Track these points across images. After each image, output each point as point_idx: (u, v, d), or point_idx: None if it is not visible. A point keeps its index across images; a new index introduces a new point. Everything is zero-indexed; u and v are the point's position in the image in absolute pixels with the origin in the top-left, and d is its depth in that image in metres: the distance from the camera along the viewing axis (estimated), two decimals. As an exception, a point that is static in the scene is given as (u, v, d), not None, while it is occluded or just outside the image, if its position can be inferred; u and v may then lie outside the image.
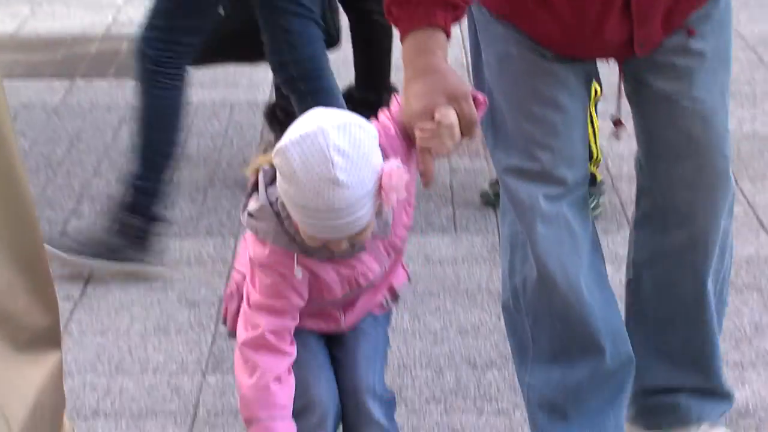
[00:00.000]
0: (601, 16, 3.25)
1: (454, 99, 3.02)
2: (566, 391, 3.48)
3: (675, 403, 3.61)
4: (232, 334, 3.33)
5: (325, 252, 3.16)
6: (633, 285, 3.65)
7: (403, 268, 3.46)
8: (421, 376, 4.09)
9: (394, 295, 3.44)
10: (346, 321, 3.37)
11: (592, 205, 5.06)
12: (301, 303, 3.20)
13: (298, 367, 3.30)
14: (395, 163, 3.05)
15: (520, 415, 3.85)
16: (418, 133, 3.04)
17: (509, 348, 4.21)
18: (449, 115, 3.00)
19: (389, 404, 3.39)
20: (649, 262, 3.60)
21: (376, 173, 3.00)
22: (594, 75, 3.52)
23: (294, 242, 3.11)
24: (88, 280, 4.81)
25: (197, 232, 5.27)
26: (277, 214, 3.08)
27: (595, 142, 5.18)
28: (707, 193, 3.46)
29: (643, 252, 3.62)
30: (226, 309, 3.42)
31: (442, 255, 5.00)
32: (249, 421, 3.21)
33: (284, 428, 3.18)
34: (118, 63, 7.44)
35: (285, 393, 3.20)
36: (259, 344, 3.19)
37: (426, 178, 3.10)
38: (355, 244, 3.15)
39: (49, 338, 2.98)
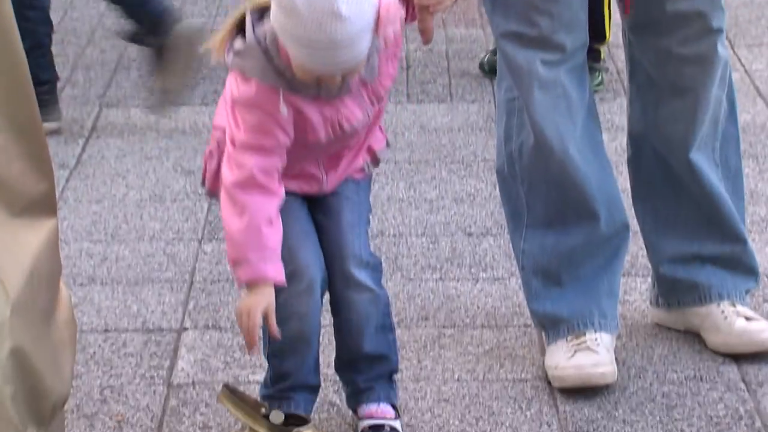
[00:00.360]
0: None
1: None
2: (560, 257, 3.50)
3: (694, 279, 3.61)
4: (212, 193, 3.33)
5: (312, 89, 3.16)
6: (634, 159, 3.65)
7: (382, 132, 3.45)
8: (417, 244, 4.10)
9: (375, 159, 3.42)
10: (328, 182, 3.36)
11: (596, 81, 5.07)
12: (287, 141, 3.20)
13: (283, 235, 3.29)
14: (394, 12, 3.10)
15: (515, 283, 3.85)
16: None
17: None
18: None
19: (375, 268, 3.39)
20: (645, 136, 3.61)
21: (374, 7, 3.04)
22: None
23: (281, 78, 3.12)
24: (83, 147, 4.81)
25: (192, 101, 5.25)
26: (265, 52, 3.09)
27: (609, 25, 5.16)
28: (696, 66, 3.47)
29: (638, 125, 3.62)
30: (205, 169, 3.37)
31: (438, 124, 4.99)
32: (237, 263, 3.18)
33: (274, 270, 3.16)
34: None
35: (275, 235, 3.19)
36: (248, 183, 3.17)
37: (425, 35, 3.14)
38: (345, 82, 3.15)
39: (44, 204, 2.97)
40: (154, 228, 4.31)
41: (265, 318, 3.09)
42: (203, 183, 3.41)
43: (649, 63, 3.52)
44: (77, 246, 4.13)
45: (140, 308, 3.83)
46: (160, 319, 3.78)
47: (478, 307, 3.81)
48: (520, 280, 3.78)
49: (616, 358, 3.44)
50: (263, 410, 2.87)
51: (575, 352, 3.39)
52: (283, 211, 3.28)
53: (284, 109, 3.16)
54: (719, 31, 3.44)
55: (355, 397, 3.36)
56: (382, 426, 3.30)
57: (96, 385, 3.45)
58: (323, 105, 3.20)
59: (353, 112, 3.23)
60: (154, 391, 3.43)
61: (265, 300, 3.11)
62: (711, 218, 3.58)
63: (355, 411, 3.38)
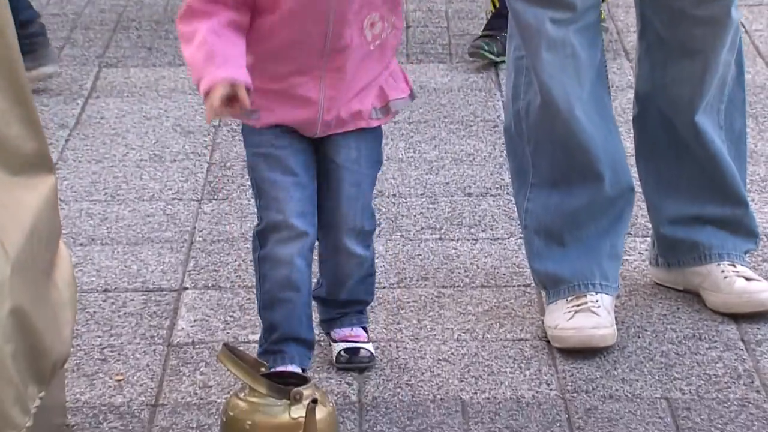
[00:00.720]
0: None
1: None
2: (564, 217, 3.51)
3: (694, 239, 3.62)
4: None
5: None
6: (639, 119, 3.65)
7: (405, 79, 3.41)
8: (417, 204, 4.11)
9: (386, 107, 3.37)
10: (326, 109, 3.31)
11: None
12: None
13: (275, 184, 3.32)
14: None
15: (515, 243, 3.87)
16: None
17: (505, 176, 4.24)
18: None
19: (368, 235, 3.43)
20: (651, 95, 3.60)
21: None
22: None
23: None
24: (83, 107, 4.80)
25: None
26: None
27: None
28: (708, 27, 3.47)
29: (645, 85, 3.62)
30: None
31: (438, 84, 4.99)
32: (198, 82, 3.16)
33: (226, 72, 3.12)
34: None
35: (222, 44, 3.18)
36: (188, 14, 3.21)
37: None
38: None
39: (41, 164, 2.98)
40: (153, 188, 4.31)
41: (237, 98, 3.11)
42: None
43: (661, 23, 3.51)
44: (77, 206, 4.14)
45: (140, 268, 3.84)
46: (159, 279, 3.78)
47: (478, 267, 3.81)
48: (519, 240, 3.80)
49: (615, 318, 3.45)
50: (263, 369, 2.87)
51: (575, 313, 3.40)
52: (281, 159, 3.31)
53: None
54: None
55: (329, 323, 3.46)
56: (357, 350, 3.39)
57: (96, 345, 3.46)
58: None
59: None
60: (154, 351, 3.44)
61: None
62: (713, 180, 3.58)
63: (328, 334, 3.47)
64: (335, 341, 3.42)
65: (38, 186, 2.91)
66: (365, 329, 3.46)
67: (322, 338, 3.47)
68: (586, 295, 3.44)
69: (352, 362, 3.40)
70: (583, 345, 3.37)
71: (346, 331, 3.44)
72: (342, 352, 3.39)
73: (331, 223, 3.38)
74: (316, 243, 3.39)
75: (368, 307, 3.50)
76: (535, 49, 3.43)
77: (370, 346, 3.43)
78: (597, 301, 3.43)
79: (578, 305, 3.42)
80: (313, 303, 3.45)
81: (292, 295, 3.32)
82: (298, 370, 3.19)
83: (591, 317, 3.39)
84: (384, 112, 3.36)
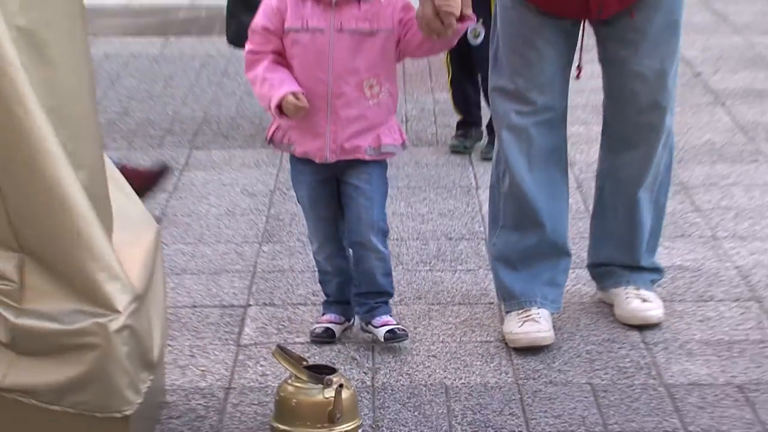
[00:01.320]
0: None
1: None
2: (518, 251, 3.48)
3: (613, 271, 3.59)
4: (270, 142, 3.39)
5: None
6: (598, 191, 3.61)
7: (399, 131, 3.37)
8: (413, 245, 4.09)
9: (380, 149, 3.31)
10: (331, 139, 3.26)
11: None
12: (278, 30, 3.23)
13: (311, 218, 3.42)
14: None
15: (482, 273, 3.85)
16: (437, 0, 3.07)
17: (475, 226, 4.23)
18: None
19: (384, 233, 3.41)
20: (607, 175, 3.56)
21: None
22: (573, 34, 3.41)
23: None
24: (179, 178, 4.80)
25: (255, 144, 5.24)
26: None
27: None
28: (645, 131, 3.42)
29: (603, 167, 3.58)
30: (269, 128, 3.40)
31: (428, 160, 4.96)
32: (266, 106, 3.24)
33: (283, 90, 3.18)
34: (199, 25, 7.40)
35: (274, 75, 3.22)
36: (248, 65, 3.28)
37: (448, 21, 3.11)
38: None
39: (148, 221, 2.99)
40: (227, 234, 4.29)
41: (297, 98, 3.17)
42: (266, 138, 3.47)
43: (617, 123, 3.48)
44: (174, 247, 4.13)
45: (218, 291, 3.82)
46: (231, 298, 3.77)
47: (456, 290, 3.79)
48: (486, 272, 3.79)
49: (553, 325, 3.43)
50: (304, 363, 2.87)
51: (524, 321, 3.38)
52: (311, 198, 3.39)
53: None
54: (666, 107, 3.40)
55: (370, 313, 3.42)
56: (395, 329, 3.39)
57: (186, 345, 3.45)
58: (323, 7, 3.21)
59: (346, 17, 3.21)
60: (228, 350, 3.43)
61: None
62: (634, 241, 3.55)
63: (369, 323, 3.43)
64: (377, 327, 3.40)
65: (146, 236, 2.91)
66: (391, 317, 3.46)
67: (344, 339, 3.46)
68: (530, 309, 3.41)
69: (397, 338, 3.39)
70: (530, 344, 3.35)
71: (384, 319, 3.42)
72: (387, 333, 3.37)
73: (355, 225, 3.37)
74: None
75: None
76: (500, 131, 3.43)
77: (401, 326, 3.42)
78: (539, 313, 3.40)
79: (526, 316, 3.40)
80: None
81: (338, 278, 3.45)
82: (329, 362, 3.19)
83: (534, 324, 3.37)
84: (377, 152, 3.30)
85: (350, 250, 3.44)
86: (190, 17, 7.50)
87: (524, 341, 3.36)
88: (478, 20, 4.79)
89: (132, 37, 7.22)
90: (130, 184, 3.10)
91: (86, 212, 2.61)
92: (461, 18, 3.11)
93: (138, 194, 3.16)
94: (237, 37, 5.01)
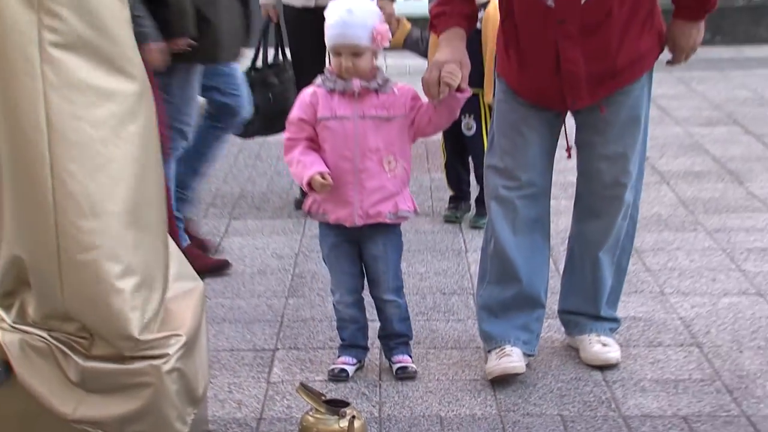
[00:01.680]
0: (546, 81, 3.23)
1: (456, 61, 3.13)
2: (498, 301, 3.45)
3: (578, 320, 3.56)
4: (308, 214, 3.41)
5: (340, 83, 3.22)
6: (569, 252, 3.59)
7: (413, 202, 3.38)
8: (412, 299, 4.03)
9: (397, 214, 3.33)
10: (359, 207, 3.28)
11: None
12: (312, 119, 3.25)
13: (335, 273, 3.41)
14: (386, 27, 3.23)
15: (471, 323, 3.81)
16: (443, 71, 3.12)
17: (465, 283, 4.21)
18: (453, 66, 3.13)
19: (399, 289, 3.43)
20: (576, 239, 3.54)
21: (374, 18, 3.21)
22: (556, 123, 3.39)
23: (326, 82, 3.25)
24: (220, 242, 4.79)
25: (282, 215, 5.22)
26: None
27: None
28: (608, 203, 3.41)
29: (573, 232, 3.56)
30: (305, 203, 3.41)
31: (425, 228, 4.95)
32: (300, 183, 3.28)
33: (313, 170, 3.20)
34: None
35: (306, 158, 3.23)
36: (286, 149, 3.29)
37: (444, 90, 3.15)
38: (353, 67, 3.19)
39: (195, 278, 2.97)
40: (259, 289, 4.26)
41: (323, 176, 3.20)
42: (301, 207, 3.60)
43: (585, 196, 3.47)
44: (215, 300, 4.10)
45: (251, 337, 3.79)
46: (263, 343, 3.73)
47: (449, 337, 3.75)
48: (473, 321, 3.75)
49: (530, 365, 3.41)
50: (323, 398, 2.84)
51: (499, 357, 3.35)
52: (336, 256, 3.38)
53: (311, 94, 3.27)
54: (626, 185, 3.38)
55: (390, 352, 3.43)
56: (406, 367, 3.40)
57: (225, 383, 3.42)
58: (348, 98, 3.23)
59: (367, 106, 3.23)
60: (260, 386, 3.39)
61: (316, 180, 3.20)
62: (597, 295, 3.52)
63: (390, 359, 3.44)
64: (394, 363, 3.41)
65: (194, 291, 2.89)
66: (410, 357, 3.44)
67: (356, 378, 3.42)
68: (505, 347, 3.38)
69: (405, 375, 3.39)
70: (503, 373, 3.32)
71: (399, 357, 3.42)
72: (398, 370, 3.38)
73: (374, 284, 3.40)
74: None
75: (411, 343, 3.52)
76: (489, 202, 3.43)
77: (413, 365, 3.43)
78: (512, 350, 3.37)
79: (501, 353, 3.37)
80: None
81: (353, 325, 3.44)
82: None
83: (507, 357, 3.34)
84: (395, 217, 3.32)
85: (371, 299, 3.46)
86: None
87: (497, 371, 3.32)
88: (470, 116, 4.87)
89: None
90: (191, 263, 3.07)
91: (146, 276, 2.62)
92: (459, 89, 3.17)
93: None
94: (245, 133, 5.02)
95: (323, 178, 3.18)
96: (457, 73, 3.12)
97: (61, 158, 2.48)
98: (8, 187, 2.59)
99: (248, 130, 5.01)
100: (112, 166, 2.54)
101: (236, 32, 4.31)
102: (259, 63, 5.22)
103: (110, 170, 2.53)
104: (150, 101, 2.69)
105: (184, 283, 2.95)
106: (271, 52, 5.26)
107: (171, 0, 3.95)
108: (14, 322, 2.67)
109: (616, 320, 3.61)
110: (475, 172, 5.01)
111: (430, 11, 3.32)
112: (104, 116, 2.53)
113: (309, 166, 3.20)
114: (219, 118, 4.59)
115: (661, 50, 3.33)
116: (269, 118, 5.00)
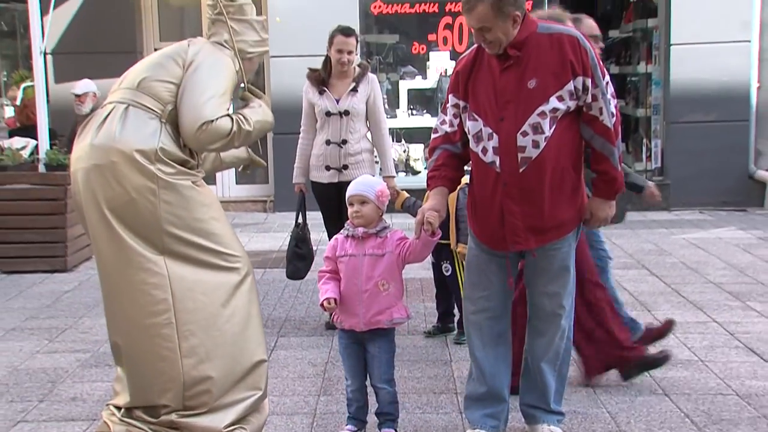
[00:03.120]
0: (495, 229, 3.22)
1: (436, 209, 3.17)
2: (474, 394, 3.44)
3: (533, 413, 3.50)
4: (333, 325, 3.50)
5: (351, 230, 3.28)
6: (524, 361, 3.50)
7: (406, 311, 3.38)
8: (411, 397, 4.00)
9: (392, 321, 3.31)
10: (363, 317, 3.29)
11: None
12: (334, 260, 3.29)
13: (345, 367, 3.38)
14: (386, 190, 3.32)
15: (455, 415, 3.76)
16: (426, 215, 3.14)
17: (451, 384, 4.13)
18: (433, 212, 3.16)
19: (391, 381, 3.39)
20: (528, 351, 3.46)
21: (376, 188, 3.31)
22: (513, 264, 3.28)
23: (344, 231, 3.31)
24: (270, 355, 4.74)
25: (316, 333, 5.15)
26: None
27: None
28: (549, 327, 3.35)
29: (526, 345, 3.47)
30: (332, 318, 3.44)
31: (420, 344, 4.89)
32: (321, 301, 3.29)
33: (327, 294, 3.24)
34: (283, 262, 7.46)
35: (326, 285, 3.29)
36: (319, 278, 3.35)
37: (431, 231, 3.17)
38: (362, 218, 3.25)
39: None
40: (299, 389, 4.21)
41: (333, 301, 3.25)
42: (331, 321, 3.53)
43: (533, 320, 3.42)
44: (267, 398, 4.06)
45: (293, 425, 3.73)
46: (301, 430, 3.68)
47: (439, 425, 3.68)
48: (458, 414, 3.71)
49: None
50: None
51: None
52: (347, 353, 3.36)
53: (334, 240, 3.34)
54: (561, 314, 3.31)
55: (381, 426, 3.43)
56: None
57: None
58: (356, 241, 3.29)
59: (368, 246, 3.28)
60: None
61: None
62: (545, 393, 3.47)
63: (380, 430, 3.43)
64: None
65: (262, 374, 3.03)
66: (395, 430, 3.43)
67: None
68: (476, 428, 3.38)
69: None
70: None
71: (386, 430, 3.41)
72: None
73: (372, 376, 3.39)
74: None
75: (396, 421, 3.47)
76: (467, 322, 3.42)
77: None
78: (481, 430, 3.37)
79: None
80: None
81: (356, 403, 3.43)
82: None
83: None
84: (391, 323, 3.34)
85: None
86: (279, 257, 7.45)
87: None
88: (446, 261, 4.90)
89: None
90: None
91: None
92: (433, 234, 3.20)
93: None
94: (292, 274, 5.11)
95: (329, 302, 3.30)
96: (436, 217, 3.17)
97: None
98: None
99: (292, 273, 5.15)
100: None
101: None
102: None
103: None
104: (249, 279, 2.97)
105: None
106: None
107: None
108: (122, 417, 2.72)
109: (561, 413, 3.57)
110: (456, 302, 5.03)
111: (427, 174, 3.39)
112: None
113: (323, 293, 3.35)
114: None
115: (581, 220, 3.29)
116: (308, 262, 5.10)
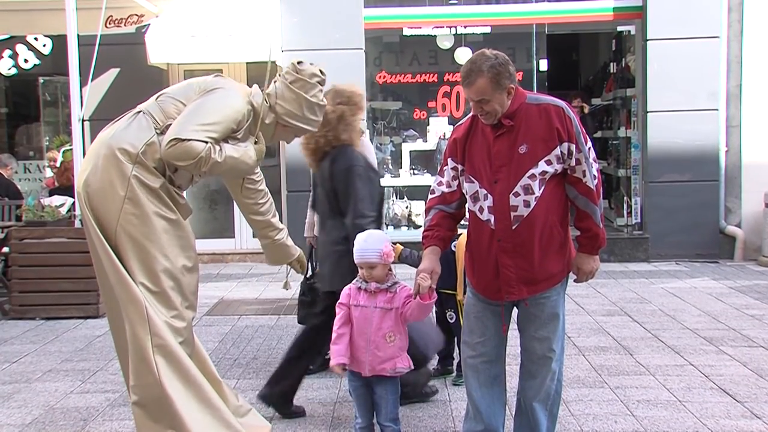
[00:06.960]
0: (491, 280, 3.19)
1: (429, 270, 3.15)
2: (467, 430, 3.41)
3: None
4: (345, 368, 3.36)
5: (363, 284, 3.25)
6: (517, 401, 3.45)
7: (408, 361, 3.33)
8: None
9: (395, 370, 3.28)
10: (369, 365, 3.26)
11: None
12: (347, 311, 3.24)
13: (356, 406, 3.33)
14: (391, 248, 3.25)
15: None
16: (419, 276, 3.11)
17: (450, 422, 4.09)
18: (425, 273, 3.13)
19: (395, 420, 3.37)
20: (521, 392, 3.41)
21: (383, 243, 3.25)
22: (507, 312, 3.23)
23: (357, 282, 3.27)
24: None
25: (325, 376, 5.09)
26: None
27: None
28: (540, 369, 3.30)
29: (519, 387, 3.42)
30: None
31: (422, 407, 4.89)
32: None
33: (336, 358, 3.21)
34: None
35: (336, 346, 3.25)
36: (333, 332, 3.27)
37: (421, 294, 3.14)
38: (373, 277, 3.20)
39: (264, 424, 2.98)
40: (310, 427, 4.16)
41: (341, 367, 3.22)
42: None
43: (525, 363, 3.40)
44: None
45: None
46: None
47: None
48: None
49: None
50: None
51: None
52: (356, 394, 3.33)
53: (348, 289, 3.30)
54: (551, 358, 3.27)
55: None
56: None
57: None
58: (367, 294, 3.27)
59: (379, 300, 3.24)
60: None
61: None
62: (535, 431, 3.42)
63: None
64: None
65: (265, 428, 2.88)
66: None
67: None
68: None
69: None
70: None
71: None
72: None
73: (378, 415, 3.36)
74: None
75: None
76: (464, 365, 3.37)
77: None
78: None
79: None
80: None
81: None
82: None
83: None
84: (394, 372, 3.32)
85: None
86: (291, 304, 7.36)
87: None
88: (451, 310, 4.87)
89: (258, 316, 7.02)
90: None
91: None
92: (430, 294, 3.16)
93: None
94: (303, 319, 5.03)
95: (336, 366, 3.29)
96: (427, 278, 3.15)
97: None
98: None
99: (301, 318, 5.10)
100: None
101: None
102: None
103: None
104: None
105: (260, 420, 2.93)
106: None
107: None
108: None
109: None
110: (457, 346, 4.99)
111: (422, 233, 3.31)
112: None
113: (334, 356, 3.31)
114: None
115: (569, 272, 3.30)
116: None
